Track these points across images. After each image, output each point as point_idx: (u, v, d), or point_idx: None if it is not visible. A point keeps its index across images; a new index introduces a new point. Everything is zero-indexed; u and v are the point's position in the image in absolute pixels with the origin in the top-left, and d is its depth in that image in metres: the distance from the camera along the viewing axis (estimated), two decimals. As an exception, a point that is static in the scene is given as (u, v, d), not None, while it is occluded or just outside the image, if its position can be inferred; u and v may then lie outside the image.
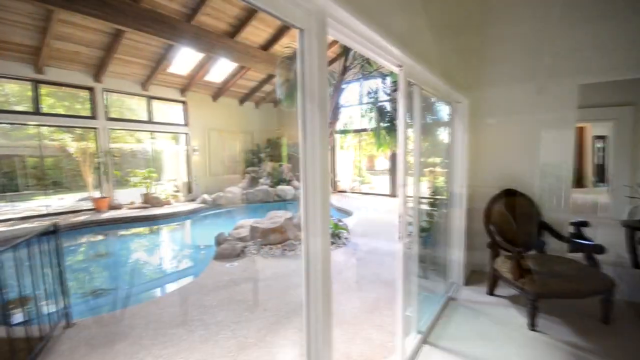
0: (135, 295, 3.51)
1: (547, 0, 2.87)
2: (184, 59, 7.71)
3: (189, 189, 9.17)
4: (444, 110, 2.91)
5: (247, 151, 10.41)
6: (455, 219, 3.00)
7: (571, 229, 3.08)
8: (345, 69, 5.08)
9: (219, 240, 4.43)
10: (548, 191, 2.99)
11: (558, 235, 2.74)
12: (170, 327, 2.50)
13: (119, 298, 3.45)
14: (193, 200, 8.54)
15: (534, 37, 2.97)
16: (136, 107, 8.61)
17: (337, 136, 10.11)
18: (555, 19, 2.85)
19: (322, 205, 1.07)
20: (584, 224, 3.17)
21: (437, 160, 3.36)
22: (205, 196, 8.28)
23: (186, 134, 9.24)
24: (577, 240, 2.68)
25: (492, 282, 2.83)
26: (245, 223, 4.84)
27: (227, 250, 4.07)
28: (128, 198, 7.86)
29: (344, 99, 6.14)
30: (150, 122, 8.54)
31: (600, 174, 5.66)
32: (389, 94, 5.97)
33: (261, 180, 9.32)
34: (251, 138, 10.70)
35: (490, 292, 2.85)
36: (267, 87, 10.08)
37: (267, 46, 7.66)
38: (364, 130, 8.02)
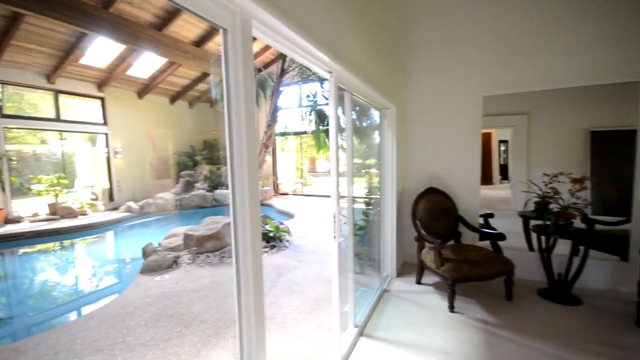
0: (42, 323, 3.00)
1: (456, 22, 3.28)
2: (101, 49, 6.86)
3: (110, 196, 8.17)
4: (376, 115, 3.11)
5: (181, 153, 9.69)
6: (387, 216, 3.22)
7: (481, 220, 3.56)
8: (283, 71, 5.09)
9: (147, 252, 4.04)
10: (462, 188, 3.41)
11: (470, 227, 3.14)
12: (85, 354, 2.19)
13: (20, 327, 2.91)
14: (116, 208, 7.62)
15: (447, 54, 3.37)
16: (40, 102, 7.38)
17: (278, 138, 10.06)
18: (464, 39, 3.27)
19: (251, 210, 1.05)
20: (490, 215, 3.69)
21: (372, 162, 3.58)
22: (131, 204, 7.45)
23: (105, 134, 8.22)
24: (485, 230, 3.11)
25: (420, 272, 3.12)
26: (179, 231, 4.50)
27: (157, 262, 3.73)
28: (31, 209, 6.68)
29: (283, 101, 6.14)
30: (58, 120, 7.39)
31: (504, 173, 6.67)
32: (327, 98, 6.16)
33: (197, 185, 8.77)
34: (185, 139, 9.99)
35: (418, 281, 3.13)
36: (201, 86, 9.54)
37: (200, 42, 7.25)
38: (304, 132, 8.14)
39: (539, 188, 2.96)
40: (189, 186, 8.78)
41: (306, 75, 5.53)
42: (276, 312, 2.70)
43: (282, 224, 5.45)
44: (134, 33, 5.83)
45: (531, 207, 3.11)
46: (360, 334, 2.29)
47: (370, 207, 3.57)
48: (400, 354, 2.07)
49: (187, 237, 4.17)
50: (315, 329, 2.42)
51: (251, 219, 1.06)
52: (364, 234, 3.74)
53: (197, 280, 3.45)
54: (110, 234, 6.44)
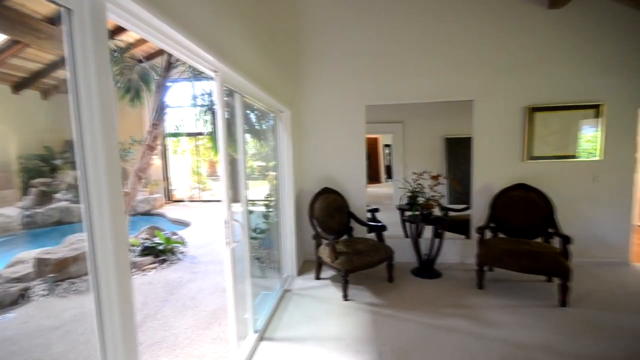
0: None
1: (345, 38, 3.62)
2: None
3: None
4: (272, 118, 3.14)
5: (31, 157, 7.60)
6: (286, 217, 3.29)
7: (369, 215, 4.01)
8: (170, 65, 4.59)
9: (-25, 288, 3.02)
10: (352, 187, 3.76)
11: (359, 221, 3.50)
12: None
13: None
14: None
15: (337, 66, 3.67)
16: None
17: (170, 140, 9.03)
18: (351, 53, 3.63)
19: (114, 223, 0.91)
20: (376, 210, 4.19)
21: (271, 164, 3.59)
22: (-52, 226, 5.45)
23: None
24: (371, 223, 3.51)
25: (318, 268, 3.29)
26: (27, 256, 3.53)
27: (-8, 300, 2.83)
28: None
29: (172, 98, 5.54)
30: None
31: (389, 172, 7.75)
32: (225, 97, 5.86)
33: (58, 195, 7.06)
34: (37, 139, 7.88)
35: (317, 277, 3.30)
36: (61, 73, 7.74)
37: (58, 19, 5.88)
38: (200, 134, 7.55)
39: (410, 185, 3.53)
40: (45, 197, 6.98)
41: (199, 71, 5.14)
42: (165, 334, 2.41)
43: (175, 234, 4.92)
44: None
45: (405, 200, 3.67)
46: (261, 338, 2.26)
47: (271, 210, 3.58)
48: (298, 350, 2.14)
49: (40, 263, 3.31)
50: (212, 344, 2.27)
51: (114, 235, 0.91)
52: (265, 237, 3.72)
53: (57, 315, 2.77)
54: None
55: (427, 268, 3.39)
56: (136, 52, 5.46)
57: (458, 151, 5.23)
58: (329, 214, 3.36)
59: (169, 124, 7.01)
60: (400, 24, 3.54)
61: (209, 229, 5.93)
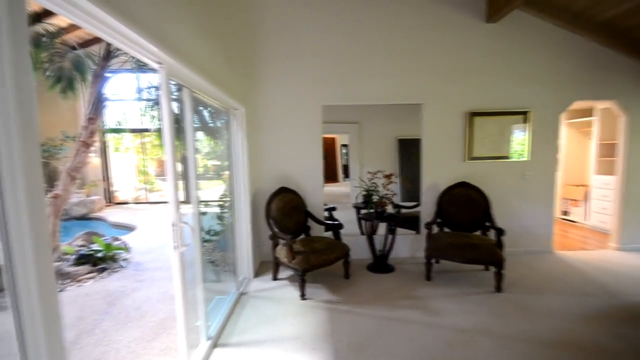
0: None
1: (301, 38, 3.61)
2: None
3: None
4: (225, 116, 3.01)
5: None
6: (242, 218, 3.19)
7: (326, 214, 4.06)
8: (109, 53, 4.19)
9: None
10: (309, 186, 3.78)
11: (317, 220, 3.53)
12: None
13: None
14: None
15: (294, 64, 3.65)
16: None
17: (111, 136, 8.23)
18: (308, 53, 3.63)
19: (34, 229, 0.80)
20: (333, 209, 4.25)
21: (226, 163, 3.45)
22: None
23: None
24: (328, 222, 3.56)
25: (275, 268, 3.25)
26: None
27: None
28: None
29: (113, 90, 5.06)
30: None
31: (346, 172, 7.94)
32: (174, 92, 5.50)
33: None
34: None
35: (275, 278, 3.26)
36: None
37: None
38: (146, 130, 7.00)
39: (365, 183, 3.64)
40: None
41: (144, 62, 4.75)
42: (105, 349, 2.20)
43: (117, 239, 4.50)
44: None
45: (361, 199, 3.77)
46: (215, 345, 2.17)
47: (226, 210, 3.44)
48: (254, 353, 2.09)
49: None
50: (160, 356, 2.12)
51: (36, 243, 0.80)
52: (220, 239, 3.57)
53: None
54: None
55: (381, 263, 3.53)
56: (70, 37, 4.87)
57: (409, 151, 5.54)
58: (286, 213, 3.33)
59: (109, 119, 6.39)
60: (356, 29, 3.63)
61: (157, 233, 5.53)
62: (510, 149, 3.85)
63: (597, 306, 2.64)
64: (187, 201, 2.07)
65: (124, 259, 4.02)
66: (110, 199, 8.55)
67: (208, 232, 3.47)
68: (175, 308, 1.76)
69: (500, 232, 3.03)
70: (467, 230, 3.41)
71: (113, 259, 3.87)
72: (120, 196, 8.93)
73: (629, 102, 3.84)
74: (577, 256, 3.88)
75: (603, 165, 4.94)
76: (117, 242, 4.38)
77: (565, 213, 5.70)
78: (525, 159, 3.85)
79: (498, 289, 2.90)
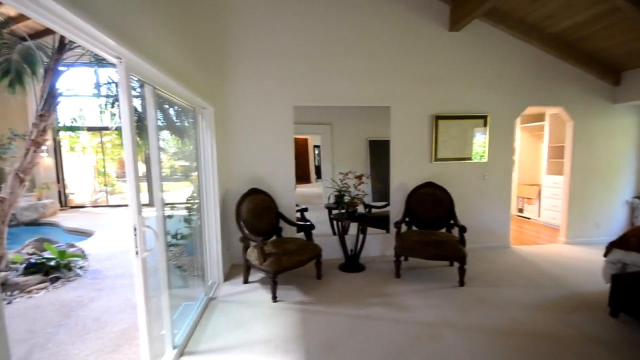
0: None
1: (272, 38, 3.58)
2: None
3: None
4: (192, 115, 2.91)
5: None
6: (211, 220, 3.10)
7: (298, 215, 4.05)
8: (63, 45, 3.89)
9: None
10: (281, 187, 3.75)
11: (288, 221, 3.51)
12: None
13: None
14: None
15: (265, 64, 3.61)
16: None
17: (65, 135, 7.62)
18: (279, 53, 3.60)
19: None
20: (305, 209, 4.25)
21: (194, 164, 3.33)
22: None
23: None
24: (299, 223, 3.56)
25: (246, 271, 3.19)
26: None
27: None
28: None
29: (67, 85, 4.69)
30: None
31: (318, 173, 8.00)
32: (136, 88, 5.21)
33: None
34: None
35: (245, 281, 3.19)
36: None
37: None
38: (106, 128, 6.57)
39: (337, 184, 3.68)
40: None
41: (101, 56, 4.45)
42: (59, 365, 2.03)
43: (72, 246, 4.19)
44: None
45: (333, 200, 3.81)
46: (181, 354, 2.08)
47: (194, 213, 3.32)
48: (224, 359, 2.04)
49: None
50: (121, 367, 2.00)
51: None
52: (187, 242, 3.43)
53: None
54: None
55: (352, 263, 3.59)
56: (19, 27, 4.45)
57: (380, 152, 5.67)
58: (257, 215, 3.28)
59: (63, 116, 5.92)
60: (327, 32, 3.66)
61: (118, 238, 5.21)
62: (472, 150, 4.08)
63: (548, 296, 2.86)
64: (151, 204, 1.97)
65: (81, 267, 3.74)
66: (64, 203, 7.93)
67: (175, 236, 3.32)
68: (137, 317, 1.67)
69: (462, 229, 3.20)
70: (433, 228, 3.56)
71: (68, 267, 3.59)
72: (76, 199, 8.31)
73: (575, 108, 4.22)
74: (530, 250, 4.19)
75: (553, 166, 5.38)
76: (72, 249, 4.07)
77: (520, 210, 6.14)
78: (485, 160, 4.09)
79: (461, 283, 3.06)
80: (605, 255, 2.80)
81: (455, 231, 3.38)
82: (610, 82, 4.21)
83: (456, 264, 3.23)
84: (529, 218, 5.93)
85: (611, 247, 2.75)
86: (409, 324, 2.44)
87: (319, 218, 4.14)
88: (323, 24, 3.65)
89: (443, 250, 3.06)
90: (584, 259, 3.81)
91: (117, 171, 9.65)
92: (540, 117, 5.63)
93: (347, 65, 3.74)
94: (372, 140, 5.81)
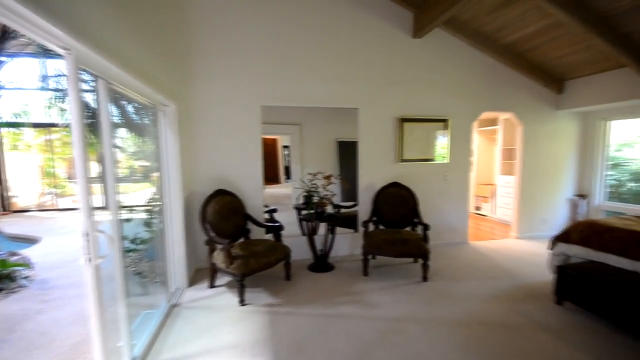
0: None
1: (239, 35, 3.49)
2: None
3: None
4: (152, 112, 2.76)
5: None
6: (174, 223, 2.96)
7: (267, 216, 4.00)
8: (5, 35, 3.52)
9: None
10: (249, 188, 3.68)
11: (256, 222, 3.45)
12: None
13: None
14: None
15: (232, 62, 3.51)
16: None
17: (5, 132, 6.88)
18: (246, 51, 3.53)
19: None
20: (274, 210, 4.21)
21: (155, 164, 3.15)
22: None
23: None
24: (267, 224, 3.51)
25: (212, 275, 3.09)
26: None
27: None
28: None
29: (9, 78, 4.25)
30: None
31: (288, 173, 7.94)
32: (89, 82, 4.84)
33: None
34: None
35: (212, 285, 3.09)
36: None
37: None
38: (54, 125, 6.03)
39: (306, 185, 3.69)
40: None
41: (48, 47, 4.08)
42: (-4, 387, 1.83)
43: (15, 254, 3.79)
44: None
45: (302, 200, 3.81)
46: (141, 365, 1.97)
47: (155, 216, 3.15)
48: (188, 368, 1.96)
49: None
50: (72, 384, 1.85)
51: None
52: (148, 247, 3.24)
53: None
54: None
55: (321, 263, 3.61)
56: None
57: (348, 153, 5.76)
58: (223, 216, 3.19)
59: (5, 111, 5.36)
60: (295, 33, 3.66)
61: (69, 244, 4.81)
62: (435, 152, 4.29)
63: (502, 288, 3.09)
64: (107, 206, 1.84)
65: (26, 277, 3.40)
66: (5, 206, 7.16)
67: (133, 241, 3.13)
68: (91, 329, 1.55)
69: (426, 227, 3.35)
70: (399, 227, 3.69)
71: (10, 277, 3.25)
72: (20, 203, 7.53)
73: (524, 114, 4.59)
74: (486, 245, 4.49)
75: (506, 167, 5.81)
76: (15, 258, 3.69)
77: (477, 208, 6.56)
78: (446, 161, 4.32)
79: (424, 278, 3.20)
80: (550, 249, 3.07)
81: (420, 229, 3.53)
82: (554, 90, 4.63)
83: (420, 261, 3.37)
84: (485, 215, 6.35)
85: (555, 241, 3.02)
86: (376, 320, 2.50)
87: (288, 219, 4.12)
88: (291, 24, 3.64)
89: (408, 248, 3.18)
90: (532, 252, 4.15)
91: (68, 171, 8.89)
92: (494, 122, 6.06)
93: (316, 66, 3.76)
94: (341, 141, 5.89)
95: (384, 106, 4.03)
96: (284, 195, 7.19)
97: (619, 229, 2.60)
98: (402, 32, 3.98)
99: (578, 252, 2.81)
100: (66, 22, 1.22)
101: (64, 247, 4.68)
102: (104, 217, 1.81)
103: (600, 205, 4.89)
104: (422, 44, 4.05)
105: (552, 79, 4.55)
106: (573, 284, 2.58)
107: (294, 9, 3.62)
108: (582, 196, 4.96)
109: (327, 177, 3.60)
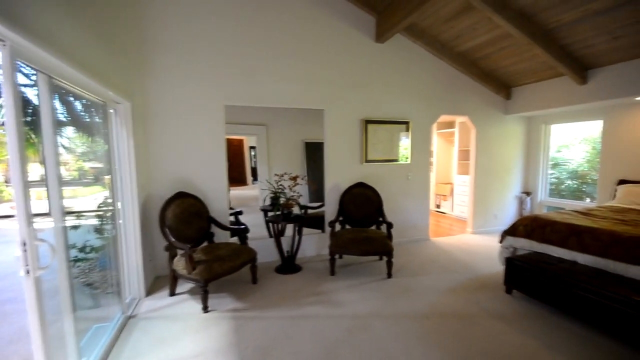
0: None
1: (201, 32, 3.37)
2: None
3: None
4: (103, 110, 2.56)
5: None
6: (129, 229, 2.77)
7: (232, 218, 3.90)
8: None
9: None
10: (212, 190, 3.56)
11: (221, 225, 3.34)
12: None
13: None
14: None
15: (193, 59, 3.37)
16: None
17: None
18: (209, 49, 3.41)
19: None
20: (240, 212, 4.12)
21: (108, 166, 2.92)
22: None
23: None
24: (232, 227, 3.43)
25: (173, 282, 2.94)
26: None
27: None
28: None
29: None
30: None
31: (255, 174, 7.79)
32: (30, 76, 4.37)
33: None
34: None
35: (172, 293, 2.94)
36: None
37: None
38: (-13, 123, 5.36)
39: (272, 186, 3.65)
40: None
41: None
42: None
43: (-64, 270, 3.32)
44: None
45: (269, 201, 3.76)
46: (91, 383, 1.82)
47: (107, 221, 2.92)
48: (146, 382, 1.85)
49: None
50: (8, 412, 1.66)
51: None
52: (100, 255, 3.00)
53: None
54: None
55: (289, 264, 3.59)
56: None
57: (315, 154, 5.79)
58: (184, 220, 3.05)
59: None
60: (259, 33, 3.60)
61: (7, 255, 4.32)
62: (398, 153, 4.46)
63: (458, 280, 3.28)
64: (49, 213, 1.68)
65: (-51, 295, 2.99)
66: None
67: (82, 249, 2.88)
68: (33, 348, 1.40)
69: (390, 225, 3.46)
70: (365, 226, 3.78)
71: None
72: (-57, 210, 6.61)
73: (477, 117, 4.93)
74: (446, 241, 4.75)
75: (462, 167, 6.20)
76: (-64, 274, 3.23)
77: (437, 206, 6.93)
78: (408, 162, 4.51)
79: (389, 275, 3.31)
80: (500, 242, 3.33)
81: (384, 227, 3.64)
82: (503, 96, 5.03)
83: (385, 258, 3.47)
84: (444, 213, 6.72)
85: (504, 234, 3.28)
86: (343, 318, 2.54)
87: (255, 221, 4.04)
88: (255, 24, 3.58)
89: (373, 246, 3.27)
90: (485, 246, 4.47)
91: (6, 174, 7.97)
92: (451, 125, 6.44)
93: (281, 67, 3.73)
94: (308, 142, 5.90)
95: (349, 108, 4.11)
96: (251, 197, 7.04)
97: (559, 222, 2.88)
98: (365, 37, 4.09)
99: (524, 245, 3.07)
100: (1, 11, 1.10)
101: (1, 258, 4.19)
102: (48, 225, 1.65)
103: (543, 202, 5.40)
104: (385, 48, 4.19)
105: (501, 85, 4.94)
106: (520, 274, 2.81)
107: (259, 11, 3.57)
108: (527, 193, 5.44)
109: (294, 178, 3.59)
